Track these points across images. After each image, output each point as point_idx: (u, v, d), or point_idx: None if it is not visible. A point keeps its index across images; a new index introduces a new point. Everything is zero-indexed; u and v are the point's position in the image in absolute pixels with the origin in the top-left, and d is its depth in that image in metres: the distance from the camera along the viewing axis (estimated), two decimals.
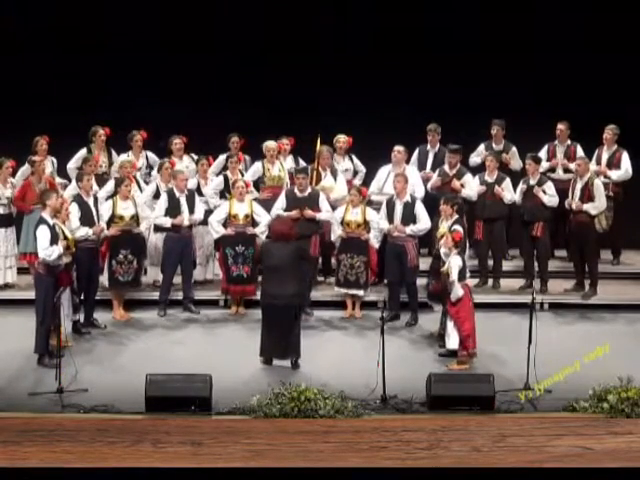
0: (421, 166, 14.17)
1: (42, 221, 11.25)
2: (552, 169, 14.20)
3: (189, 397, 9.96)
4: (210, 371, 10.16)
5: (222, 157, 13.97)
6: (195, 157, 13.99)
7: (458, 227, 11.80)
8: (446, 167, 13.64)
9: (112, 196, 12.91)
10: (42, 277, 11.21)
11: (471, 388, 10.23)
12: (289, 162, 14.07)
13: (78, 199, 12.33)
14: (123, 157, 13.88)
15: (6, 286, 13.34)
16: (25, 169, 13.46)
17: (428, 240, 13.10)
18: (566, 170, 14.07)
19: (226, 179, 13.52)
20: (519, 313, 12.41)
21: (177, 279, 13.14)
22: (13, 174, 13.39)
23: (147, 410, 9.92)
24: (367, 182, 13.78)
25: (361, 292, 12.95)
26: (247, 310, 13.00)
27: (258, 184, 13.75)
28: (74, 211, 12.10)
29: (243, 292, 12.97)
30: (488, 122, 14.29)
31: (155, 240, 13.19)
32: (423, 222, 12.61)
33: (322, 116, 14.19)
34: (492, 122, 14.25)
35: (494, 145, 14.29)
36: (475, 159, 14.34)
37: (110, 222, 12.53)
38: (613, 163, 13.95)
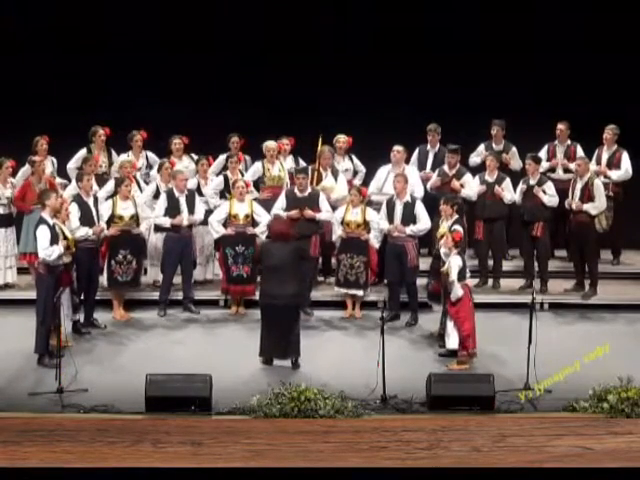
0: (421, 166, 14.17)
1: (42, 221, 11.25)
2: (552, 169, 14.20)
3: (189, 397, 9.95)
4: (210, 371, 10.16)
5: (222, 157, 13.97)
6: (195, 157, 13.99)
7: (458, 227, 11.80)
8: (445, 167, 13.65)
9: (112, 196, 12.91)
10: (43, 277, 11.21)
11: (471, 388, 10.23)
12: (289, 162, 14.07)
13: (78, 199, 12.33)
14: (123, 157, 13.88)
15: (6, 286, 13.34)
16: (26, 169, 13.46)
17: (428, 240, 13.10)
18: (566, 170, 14.07)
19: (226, 179, 13.52)
20: (519, 313, 12.41)
21: (177, 279, 13.14)
22: (13, 174, 13.39)
23: (147, 410, 9.92)
24: (367, 182, 13.78)
25: (361, 292, 12.95)
26: (247, 310, 13.00)
27: (258, 184, 13.75)
28: (74, 211, 12.11)
29: (243, 292, 12.97)
30: (488, 122, 14.29)
31: (155, 240, 13.19)
32: (423, 222, 12.61)
33: (322, 116, 14.19)
34: (492, 122, 14.25)
35: (494, 145, 14.29)
36: (475, 159, 14.34)
37: (110, 222, 12.54)
38: (613, 163, 13.96)
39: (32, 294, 11.84)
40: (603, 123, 13.99)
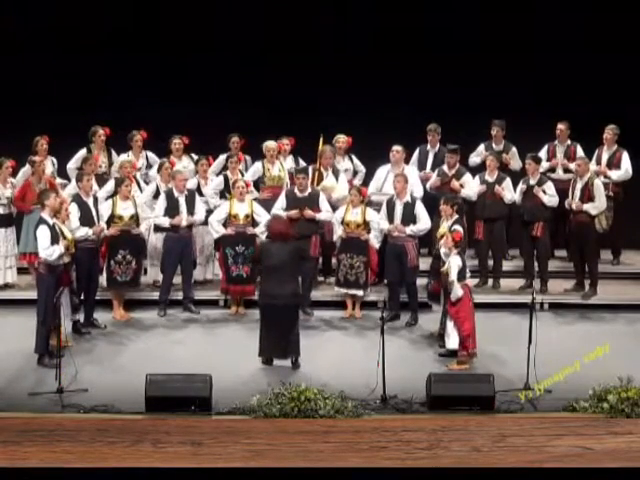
0: (421, 166, 14.17)
1: (42, 221, 11.25)
2: (552, 169, 14.20)
3: (189, 397, 9.95)
4: (210, 371, 10.15)
5: (222, 157, 13.97)
6: (195, 157, 13.99)
7: (458, 227, 11.80)
8: (445, 167, 13.65)
9: (112, 196, 12.91)
10: (43, 277, 11.21)
11: (471, 388, 10.22)
12: (289, 162, 14.07)
13: (77, 199, 12.33)
14: (123, 157, 13.88)
15: (6, 286, 13.34)
16: (26, 169, 13.46)
17: (428, 240, 13.10)
18: (566, 170, 14.07)
19: (226, 179, 13.52)
20: (519, 313, 12.41)
21: (177, 279, 13.14)
22: (13, 174, 13.39)
23: (147, 410, 9.92)
24: (367, 182, 13.77)
25: (361, 292, 12.94)
26: (247, 310, 13.00)
27: (258, 184, 13.75)
28: (74, 211, 12.10)
29: (243, 292, 12.97)
30: (488, 122, 14.29)
31: (155, 240, 13.19)
32: (423, 222, 12.62)
33: (322, 116, 14.19)
34: (492, 122, 14.25)
35: (494, 145, 14.29)
36: (475, 159, 14.34)
37: (109, 222, 12.53)
38: (613, 163, 13.96)
39: (32, 294, 11.85)
40: (603, 123, 13.99)
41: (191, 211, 12.91)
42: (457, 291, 11.27)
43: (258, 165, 13.73)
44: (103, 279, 12.69)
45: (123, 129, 14.04)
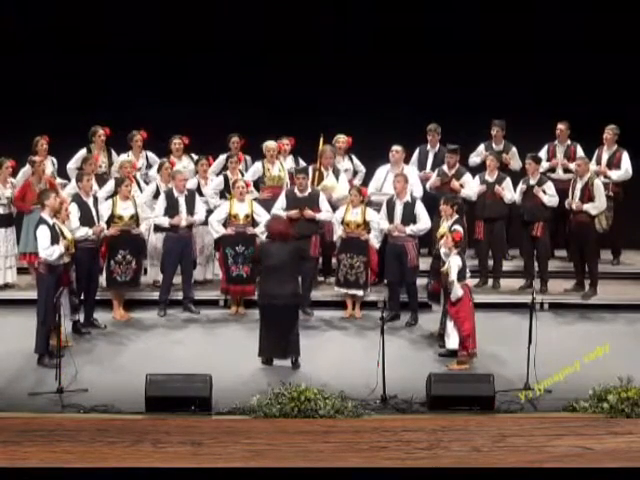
0: (421, 166, 14.18)
1: (42, 221, 11.25)
2: (552, 169, 14.20)
3: (189, 397, 9.95)
4: (210, 371, 10.15)
5: (222, 157, 13.97)
6: (195, 157, 13.99)
7: (458, 227, 11.80)
8: (445, 167, 13.65)
9: (112, 196, 12.91)
10: (43, 277, 11.21)
11: (471, 388, 10.22)
12: (289, 162, 14.07)
13: (77, 199, 12.33)
14: (123, 157, 13.88)
15: (6, 286, 13.34)
16: (26, 169, 13.46)
17: (428, 240, 13.10)
18: (566, 170, 14.07)
19: (226, 179, 13.52)
20: (519, 313, 12.41)
21: (177, 279, 13.14)
22: (13, 174, 13.39)
23: (147, 410, 9.92)
24: (367, 182, 13.77)
25: (360, 292, 12.94)
26: (247, 310, 12.99)
27: (258, 184, 13.75)
28: (74, 211, 12.10)
29: (243, 292, 12.96)
30: (488, 122, 14.29)
31: (155, 240, 13.20)
32: (423, 222, 12.62)
33: (322, 116, 14.19)
34: (492, 122, 14.25)
35: (494, 145, 14.29)
36: (475, 159, 14.34)
37: (109, 222, 12.53)
38: (613, 163, 13.96)
39: (32, 294, 11.85)
40: (603, 123, 13.99)
41: (191, 211, 12.91)
42: (457, 291, 11.27)
43: (258, 165, 13.73)
44: (103, 279, 12.69)
45: (123, 129, 14.04)
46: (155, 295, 13.11)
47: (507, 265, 14.02)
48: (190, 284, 13.10)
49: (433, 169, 13.95)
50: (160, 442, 9.12)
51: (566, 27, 14.78)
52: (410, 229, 12.57)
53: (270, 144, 13.66)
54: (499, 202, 13.41)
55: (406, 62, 14.78)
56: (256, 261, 11.89)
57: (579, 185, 13.19)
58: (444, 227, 11.97)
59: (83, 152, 13.75)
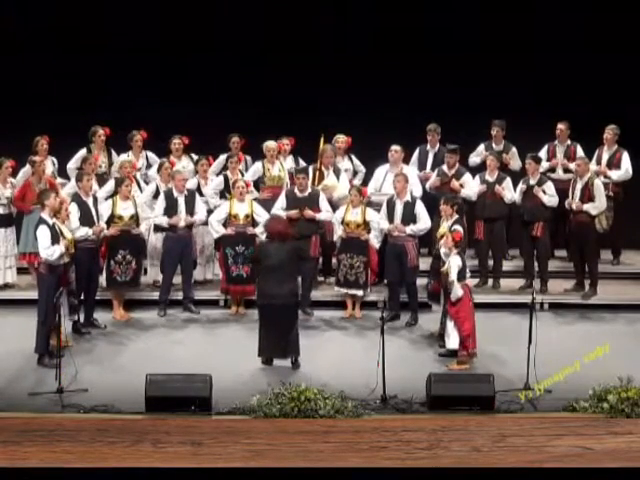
0: (421, 166, 14.18)
1: (42, 221, 11.25)
2: (552, 169, 14.20)
3: (189, 397, 9.95)
4: (210, 371, 10.15)
5: (222, 157, 13.96)
6: (195, 157, 13.99)
7: (458, 227, 11.80)
8: (445, 167, 13.65)
9: (112, 196, 12.91)
10: (44, 277, 11.21)
11: (471, 388, 10.22)
12: (289, 162, 14.07)
13: (77, 199, 12.33)
14: (123, 157, 13.88)
15: (6, 286, 13.34)
16: (26, 169, 13.45)
17: (428, 240, 13.10)
18: (566, 170, 14.07)
19: (226, 179, 13.52)
20: (519, 313, 12.41)
21: (177, 279, 13.14)
22: (13, 174, 13.39)
23: (147, 410, 9.92)
24: (367, 182, 13.77)
25: (360, 292, 12.94)
26: (247, 310, 12.99)
27: (258, 184, 13.75)
28: (73, 211, 12.10)
29: (243, 292, 12.96)
30: (488, 122, 14.29)
31: (155, 240, 13.20)
32: (423, 222, 12.62)
33: (322, 116, 14.19)
34: (492, 123, 14.25)
35: (494, 145, 14.29)
36: (475, 159, 14.34)
37: (109, 222, 12.53)
38: (613, 163, 13.95)
39: (32, 294, 11.86)
40: (603, 123, 13.99)
41: (190, 211, 12.90)
42: (457, 291, 11.27)
43: (258, 165, 13.73)
44: (103, 279, 12.69)
45: (123, 129, 14.03)
46: (155, 295, 13.11)
47: (507, 265, 14.02)
48: (190, 284, 13.10)
49: (433, 169, 13.95)
50: (160, 442, 9.12)
51: (566, 27, 14.77)
52: (410, 229, 12.57)
53: (270, 144, 13.66)
54: (499, 202, 13.41)
55: (406, 62, 14.78)
56: (255, 261, 11.89)
57: (579, 185, 13.19)
58: (444, 227, 11.97)
59: (83, 152, 13.75)
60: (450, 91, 14.64)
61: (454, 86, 14.71)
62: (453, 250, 11.41)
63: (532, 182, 13.27)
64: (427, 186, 13.64)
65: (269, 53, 14.94)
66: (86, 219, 12.21)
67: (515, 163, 14.20)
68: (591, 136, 14.02)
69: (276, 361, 11.30)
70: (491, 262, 13.69)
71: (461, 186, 13.47)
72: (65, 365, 10.60)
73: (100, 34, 14.90)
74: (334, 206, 13.19)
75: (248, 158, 14.20)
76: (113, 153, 14.10)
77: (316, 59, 14.83)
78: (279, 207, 13.00)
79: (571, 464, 8.85)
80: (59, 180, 13.69)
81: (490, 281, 13.62)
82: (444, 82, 14.72)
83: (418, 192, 13.26)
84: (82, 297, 12.23)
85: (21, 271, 13.54)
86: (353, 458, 8.91)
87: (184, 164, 13.89)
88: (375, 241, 12.82)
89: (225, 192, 13.46)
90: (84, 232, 12.11)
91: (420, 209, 12.64)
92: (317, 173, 13.48)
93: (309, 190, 13.05)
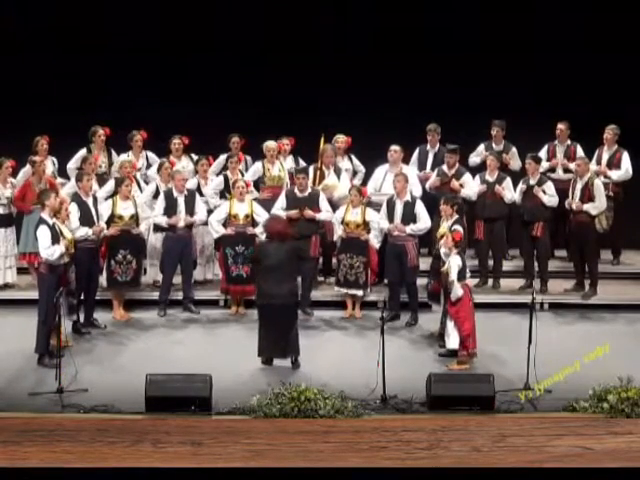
0: (421, 166, 14.18)
1: (42, 221, 11.25)
2: (552, 169, 14.20)
3: (189, 397, 9.95)
4: (210, 371, 10.15)
5: (222, 157, 13.96)
6: (195, 157, 13.99)
7: (458, 227, 11.80)
8: (445, 167, 13.65)
9: (112, 196, 12.91)
10: (44, 277, 11.22)
11: (471, 388, 10.22)
12: (289, 162, 14.07)
13: (77, 199, 12.33)
14: (123, 157, 13.88)
15: (6, 286, 13.34)
16: (27, 169, 13.45)
17: (428, 240, 13.10)
18: (566, 170, 14.07)
19: (226, 179, 13.52)
20: (519, 313, 12.41)
21: (177, 279, 13.14)
22: (13, 174, 13.39)
23: (147, 410, 9.92)
24: (367, 182, 13.77)
25: (360, 292, 12.94)
26: (247, 310, 12.99)
27: (258, 184, 13.75)
28: (73, 211, 12.10)
29: (243, 292, 12.96)
30: (488, 122, 14.29)
31: (154, 240, 13.20)
32: (423, 221, 12.62)
33: (322, 116, 14.19)
34: (492, 123, 14.25)
35: (494, 145, 14.29)
36: (475, 159, 14.34)
37: (109, 222, 12.53)
38: (613, 163, 13.95)
39: (32, 294, 11.86)
40: (603, 123, 13.99)
41: (190, 211, 12.90)
42: (457, 291, 11.27)
43: (258, 165, 13.73)
44: (103, 279, 12.69)
45: (123, 129, 14.03)
46: (155, 295, 13.11)
47: (507, 265, 14.02)
48: (190, 284, 13.10)
49: (433, 169, 13.95)
50: (160, 442, 9.12)
51: (566, 27, 14.77)
52: (410, 228, 12.57)
53: (270, 144, 13.66)
54: (499, 202, 13.41)
55: (406, 62, 14.78)
56: (255, 261, 11.88)
57: (579, 185, 13.19)
58: (444, 227, 11.97)
59: (83, 152, 13.75)
60: (450, 91, 14.64)
61: (454, 86, 14.70)
62: (453, 250, 11.41)
63: (532, 182, 13.27)
64: (427, 186, 13.64)
65: (269, 53, 14.94)
66: (86, 219, 12.21)
67: (515, 163, 14.20)
68: (591, 136, 14.02)
69: (276, 361, 11.30)
70: (491, 262, 13.69)
71: (461, 186, 13.47)
72: (65, 365, 10.60)
73: (100, 34, 14.89)
74: (334, 206, 13.19)
75: (248, 158, 14.20)
76: (113, 153, 14.10)
77: (316, 59, 14.83)
78: (279, 207, 13.00)
79: (571, 464, 8.85)
80: (59, 180, 13.68)
81: (490, 281, 13.62)
82: (444, 82, 14.72)
83: (418, 192, 13.26)
84: (82, 297, 12.24)
85: (21, 271, 13.54)
86: (353, 458, 8.91)
87: (184, 164, 13.89)
88: (375, 241, 12.82)
89: (225, 192, 13.47)
90: (84, 232, 12.11)
91: (420, 209, 12.64)
92: (318, 173, 13.48)
93: (309, 190, 13.05)
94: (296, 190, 13.03)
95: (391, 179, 12.98)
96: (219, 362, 11.02)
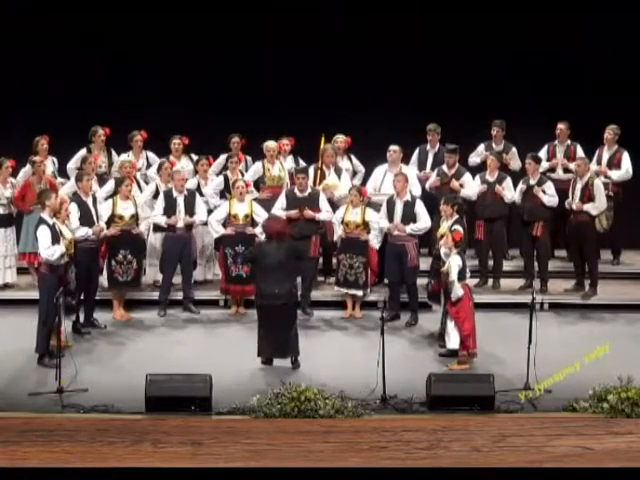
0: (421, 166, 14.19)
1: (42, 221, 11.25)
2: (552, 169, 14.20)
3: (189, 397, 9.95)
4: (210, 371, 10.15)
5: (222, 157, 13.97)
6: (195, 157, 13.99)
7: (458, 227, 11.79)
8: (445, 167, 13.65)
9: (112, 196, 12.91)
10: (45, 277, 11.22)
11: (471, 388, 10.22)
12: (289, 162, 14.07)
13: (77, 199, 12.33)
14: (123, 157, 13.89)
15: (6, 286, 13.34)
16: (27, 169, 13.46)
17: (428, 240, 13.11)
18: (566, 170, 14.07)
19: (226, 179, 13.52)
20: (519, 313, 12.40)
21: (177, 279, 13.14)
22: (13, 174, 13.39)
23: (147, 410, 9.92)
24: (366, 182, 13.77)
25: (360, 292, 12.94)
26: (247, 310, 12.98)
27: (258, 184, 13.75)
28: (73, 211, 12.10)
29: (243, 292, 12.96)
30: (488, 122, 14.29)
31: (154, 240, 13.20)
32: (423, 221, 12.62)
33: (322, 116, 14.18)
34: (492, 123, 14.25)
35: (494, 145, 14.29)
36: (475, 159, 14.34)
37: (110, 222, 12.53)
38: (613, 163, 13.96)
39: (32, 294, 11.87)
40: (603, 123, 13.99)
41: (190, 211, 12.90)
42: (457, 291, 11.27)
43: (258, 165, 13.74)
44: (104, 279, 12.70)
45: (123, 129, 14.03)
46: (155, 295, 13.12)
47: (507, 265, 14.02)
48: (190, 284, 13.10)
49: (433, 169, 13.95)
50: (160, 442, 9.12)
51: (566, 27, 14.76)
52: (410, 228, 12.57)
53: (270, 144, 13.66)
54: (499, 202, 13.41)
55: (406, 62, 14.77)
56: (252, 261, 11.86)
57: (579, 185, 13.19)
58: (444, 227, 11.97)
59: (83, 152, 13.75)
60: (450, 91, 14.64)
61: (454, 86, 14.70)
62: (453, 250, 11.41)
63: (532, 182, 13.28)
64: (427, 186, 13.64)
65: (269, 53, 14.93)
66: (86, 219, 12.21)
67: (515, 163, 14.20)
68: (591, 136, 14.02)
69: (276, 361, 11.30)
70: (491, 262, 13.69)
71: (461, 186, 13.47)
72: (65, 365, 10.60)
73: (100, 34, 14.89)
74: (335, 206, 13.19)
75: (248, 158, 14.21)
76: (113, 153, 14.10)
77: (316, 59, 14.82)
78: (279, 207, 13.00)
79: (571, 464, 8.85)
80: (59, 180, 13.68)
81: (490, 281, 13.62)
82: (444, 82, 14.71)
83: (417, 192, 13.26)
84: (82, 297, 12.24)
85: (21, 271, 13.54)
86: (353, 458, 8.90)
87: (184, 164, 13.89)
88: (375, 241, 12.82)
89: (225, 192, 13.47)
90: (84, 232, 12.11)
91: (420, 209, 12.64)
92: (318, 173, 13.49)
93: (309, 190, 13.05)
94: (296, 190, 13.03)
95: (390, 179, 12.99)
96: (219, 362, 11.02)
